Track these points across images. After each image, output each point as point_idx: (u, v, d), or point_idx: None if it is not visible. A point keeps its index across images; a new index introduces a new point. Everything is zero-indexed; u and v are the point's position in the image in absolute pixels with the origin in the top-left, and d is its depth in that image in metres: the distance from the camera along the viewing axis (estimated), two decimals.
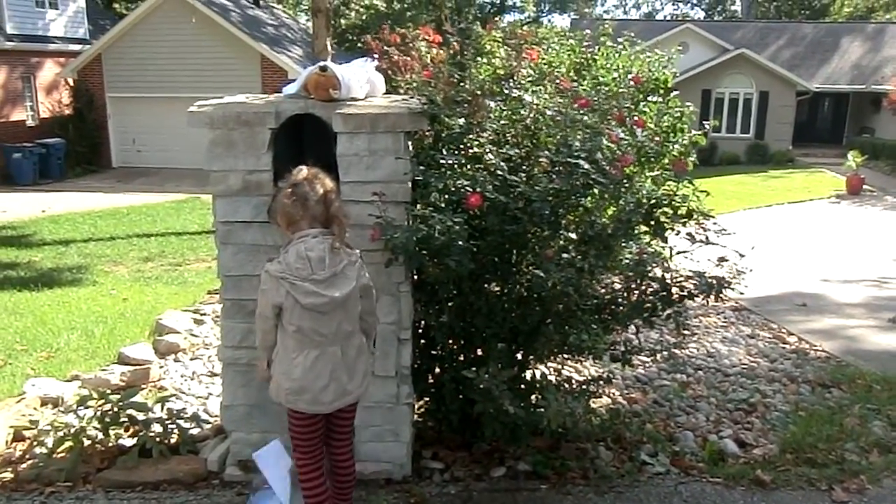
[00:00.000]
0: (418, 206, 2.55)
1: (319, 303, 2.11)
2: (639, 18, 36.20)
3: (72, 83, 16.19)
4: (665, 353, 4.12)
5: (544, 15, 36.61)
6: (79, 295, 6.09)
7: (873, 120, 22.37)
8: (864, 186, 14.89)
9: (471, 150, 2.64)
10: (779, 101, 20.77)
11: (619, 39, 5.37)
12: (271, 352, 2.27)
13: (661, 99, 4.24)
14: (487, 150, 2.61)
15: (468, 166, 2.56)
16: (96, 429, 3.04)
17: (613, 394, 3.88)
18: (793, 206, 12.98)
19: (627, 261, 2.80)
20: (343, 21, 26.36)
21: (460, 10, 26.72)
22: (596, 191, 2.62)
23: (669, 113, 4.27)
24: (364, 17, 26.08)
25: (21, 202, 12.00)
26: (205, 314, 5.29)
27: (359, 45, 26.21)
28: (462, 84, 2.64)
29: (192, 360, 4.38)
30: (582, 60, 4.58)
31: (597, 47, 4.69)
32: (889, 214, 12.35)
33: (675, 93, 4.82)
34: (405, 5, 25.67)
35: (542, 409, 2.73)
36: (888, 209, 13.01)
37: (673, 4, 41.48)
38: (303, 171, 2.23)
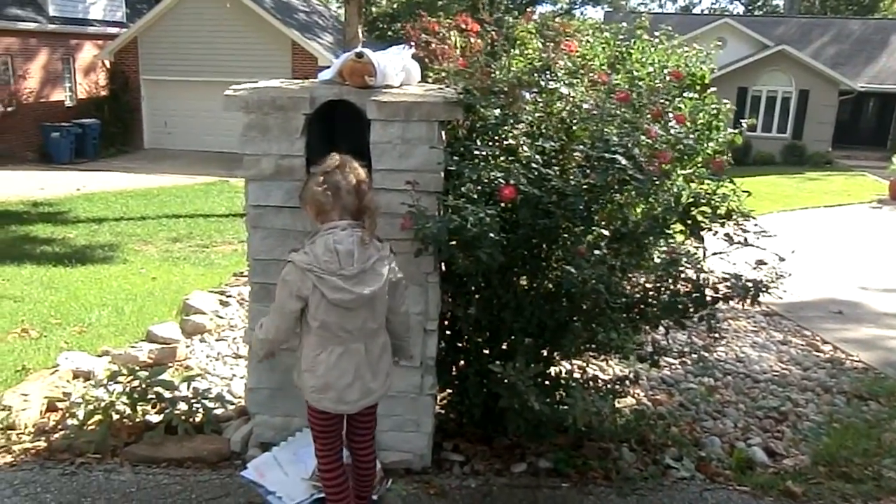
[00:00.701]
0: (450, 197, 2.52)
1: (347, 299, 2.02)
2: (675, 12, 35.33)
3: (108, 65, 16.51)
4: (694, 355, 4.05)
5: (577, 7, 36.01)
6: (110, 272, 6.23)
7: None
8: None
9: (505, 142, 2.59)
10: (820, 100, 20.06)
11: (656, 33, 5.22)
12: (275, 346, 2.20)
13: (696, 95, 4.13)
14: (521, 143, 2.56)
15: (502, 158, 2.52)
16: (125, 404, 3.10)
17: (638, 394, 3.81)
18: (830, 209, 12.55)
19: (659, 259, 2.74)
20: (374, 9, 26.32)
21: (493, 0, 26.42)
22: (631, 187, 2.55)
23: (705, 110, 4.14)
24: (395, 6, 25.99)
25: (58, 180, 12.31)
26: (230, 296, 5.36)
27: (389, 33, 26.15)
28: (496, 74, 2.59)
29: (217, 341, 4.44)
30: (616, 54, 4.46)
31: (632, 41, 4.56)
32: None
33: (712, 89, 4.67)
34: None
35: (566, 407, 2.69)
36: None
37: None
38: (336, 159, 2.15)
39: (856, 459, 3.06)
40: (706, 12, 35.78)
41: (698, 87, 4.37)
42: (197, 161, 14.90)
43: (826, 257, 8.28)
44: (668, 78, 3.44)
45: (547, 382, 2.82)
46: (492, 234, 2.29)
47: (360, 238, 2.05)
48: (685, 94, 3.73)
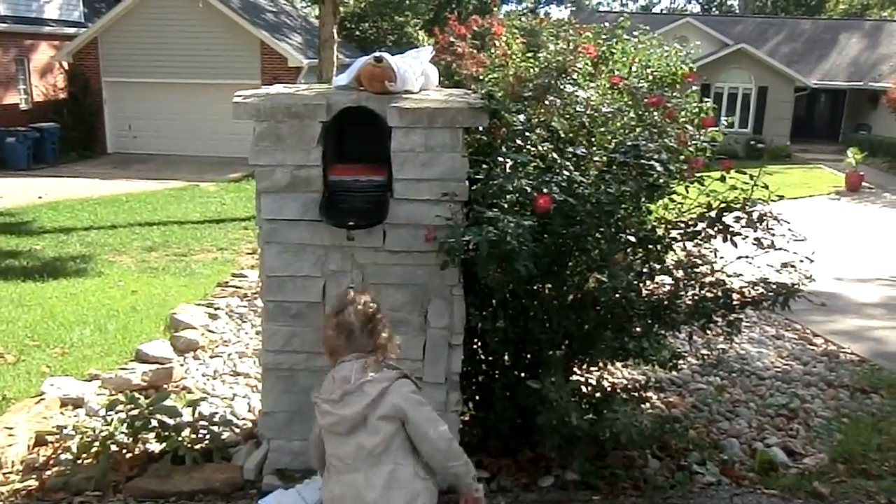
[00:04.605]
0: (474, 207, 2.43)
1: (331, 422, 1.90)
2: (637, 11, 35.98)
3: (67, 67, 15.76)
4: (705, 353, 4.07)
5: (542, 6, 36.33)
6: (85, 286, 5.90)
7: (870, 117, 22.44)
8: (863, 183, 14.96)
9: (531, 148, 2.51)
10: (777, 96, 20.77)
11: (634, 33, 5.22)
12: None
13: (678, 94, 4.14)
14: (547, 150, 2.49)
15: (531, 165, 2.43)
16: (123, 433, 2.90)
17: (651, 397, 3.78)
18: (793, 202, 12.92)
19: (682, 262, 2.71)
20: (342, 9, 25.92)
21: None
22: (661, 192, 2.51)
23: (687, 108, 4.14)
24: (363, 5, 25.66)
25: (17, 187, 11.66)
26: (219, 308, 5.14)
27: (357, 33, 25.79)
28: (529, 77, 2.50)
29: (211, 357, 4.23)
30: (599, 53, 4.42)
31: (614, 41, 4.53)
32: (890, 212, 12.40)
33: (694, 88, 4.71)
34: None
35: (595, 418, 2.64)
36: (888, 206, 13.07)
37: None
38: (345, 298, 2.01)
39: (872, 455, 3.10)
40: (665, 12, 36.57)
41: (678, 86, 4.40)
42: (164, 165, 14.36)
43: (797, 249, 8.49)
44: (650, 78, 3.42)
45: (576, 396, 2.75)
46: (525, 247, 2.21)
47: (361, 365, 1.90)
48: (666, 93, 3.74)
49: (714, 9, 37.88)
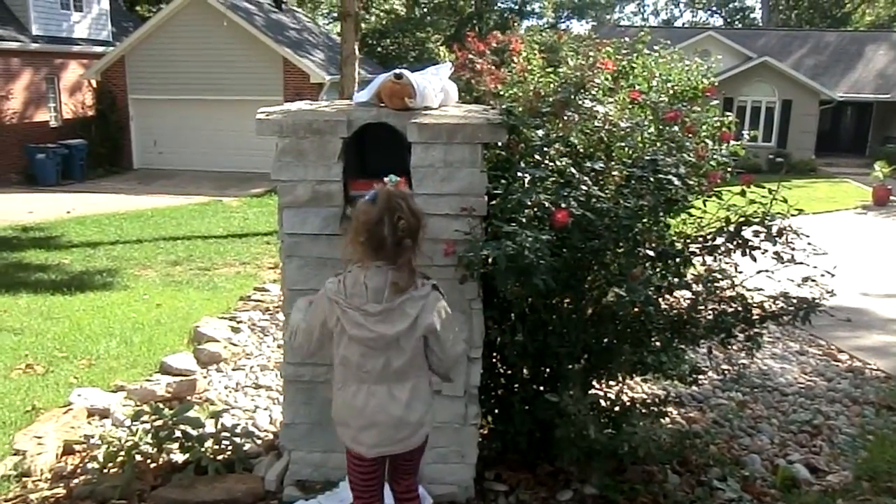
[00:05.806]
0: (493, 221, 2.46)
1: (366, 337, 1.88)
2: (658, 26, 35.93)
3: (95, 85, 16.27)
4: (726, 368, 4.03)
5: (563, 21, 36.54)
6: (112, 299, 6.04)
7: None
8: (891, 197, 14.65)
9: (549, 163, 2.54)
10: (802, 109, 20.51)
11: (655, 47, 5.25)
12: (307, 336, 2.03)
13: (699, 108, 4.14)
14: (566, 165, 2.52)
15: (549, 180, 2.46)
16: (148, 444, 2.96)
17: (670, 412, 3.75)
18: (818, 216, 12.72)
19: (703, 276, 2.70)
20: (363, 25, 26.41)
21: (481, 15, 26.70)
22: (679, 207, 2.51)
23: (708, 122, 4.14)
24: (384, 22, 26.09)
25: (46, 203, 12.02)
26: (241, 322, 5.22)
27: (378, 49, 26.22)
28: (547, 94, 2.54)
29: (234, 370, 4.30)
30: (619, 68, 4.46)
31: (634, 55, 4.57)
32: None
33: (715, 102, 4.70)
34: (425, 10, 25.67)
35: (614, 432, 2.63)
36: None
37: (692, 12, 41.19)
38: (382, 203, 1.87)
39: None
40: (686, 26, 36.48)
41: (699, 100, 4.39)
42: (189, 181, 14.68)
43: (822, 263, 8.33)
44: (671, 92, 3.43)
45: (598, 410, 2.74)
46: (542, 261, 2.23)
47: (395, 277, 1.88)
48: (684, 107, 3.74)
49: (737, 22, 37.72)
